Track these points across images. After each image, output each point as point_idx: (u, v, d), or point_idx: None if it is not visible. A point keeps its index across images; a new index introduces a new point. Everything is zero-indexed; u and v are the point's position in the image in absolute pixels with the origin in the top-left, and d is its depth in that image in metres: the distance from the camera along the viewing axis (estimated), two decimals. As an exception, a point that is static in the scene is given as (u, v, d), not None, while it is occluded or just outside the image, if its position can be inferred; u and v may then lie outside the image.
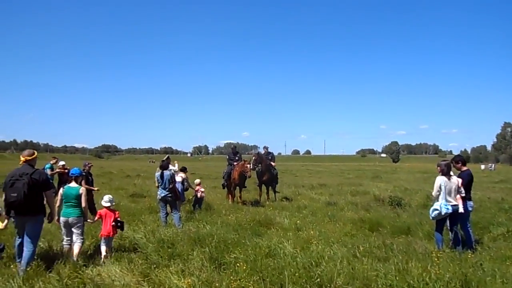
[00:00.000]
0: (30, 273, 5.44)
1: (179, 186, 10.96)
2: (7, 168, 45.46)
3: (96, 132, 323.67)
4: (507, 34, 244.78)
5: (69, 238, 6.69)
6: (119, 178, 30.15)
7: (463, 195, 7.53)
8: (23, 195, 5.58)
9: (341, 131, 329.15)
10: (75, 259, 6.31)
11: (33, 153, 6.16)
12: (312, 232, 8.20)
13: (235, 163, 14.44)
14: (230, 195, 14.68)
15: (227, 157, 15.60)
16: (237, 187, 14.41)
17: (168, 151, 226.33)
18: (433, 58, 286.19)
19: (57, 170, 13.66)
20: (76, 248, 6.56)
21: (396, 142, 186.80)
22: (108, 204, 7.29)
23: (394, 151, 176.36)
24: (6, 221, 6.13)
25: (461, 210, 7.26)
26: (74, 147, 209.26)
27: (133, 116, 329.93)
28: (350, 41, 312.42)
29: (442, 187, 7.30)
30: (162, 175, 9.49)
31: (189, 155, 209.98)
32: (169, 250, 6.87)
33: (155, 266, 5.94)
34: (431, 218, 7.49)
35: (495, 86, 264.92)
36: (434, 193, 7.49)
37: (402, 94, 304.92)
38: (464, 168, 7.85)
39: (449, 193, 7.30)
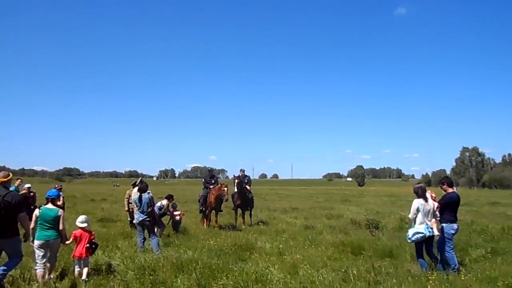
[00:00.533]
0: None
1: (155, 210, 10.60)
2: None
3: (57, 154, 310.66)
4: (465, 61, 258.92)
5: (43, 262, 6.31)
6: (83, 202, 29.01)
7: (438, 218, 7.63)
8: None
9: (307, 155, 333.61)
10: (51, 276, 6.32)
11: (8, 175, 6.08)
12: (297, 256, 8.02)
13: (211, 187, 14.14)
14: (205, 219, 14.30)
15: (203, 180, 15.26)
16: (213, 211, 14.06)
17: (133, 174, 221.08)
18: (395, 82, 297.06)
19: (22, 192, 12.90)
20: (50, 268, 6.49)
21: (361, 166, 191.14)
22: (84, 225, 7.07)
23: (360, 175, 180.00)
24: None
25: (436, 233, 7.37)
26: (33, 169, 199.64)
27: (96, 138, 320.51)
28: (317, 67, 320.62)
29: (420, 210, 7.38)
30: (140, 198, 9.08)
31: (154, 178, 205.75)
32: (151, 277, 6.51)
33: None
34: (409, 241, 7.52)
35: (455, 111, 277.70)
36: (411, 215, 7.57)
37: (366, 118, 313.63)
38: (450, 190, 7.84)
39: (426, 216, 7.36)
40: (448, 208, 7.64)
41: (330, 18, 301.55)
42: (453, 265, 7.32)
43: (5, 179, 5.98)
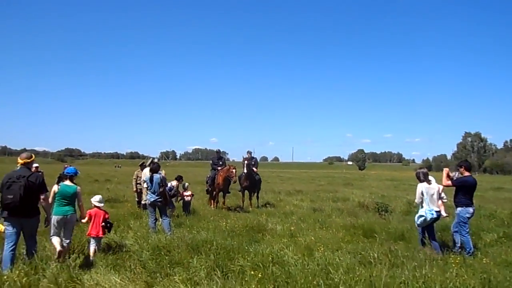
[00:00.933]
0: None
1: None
2: (-36, 171, 43.02)
3: (59, 135, 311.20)
4: (468, 46, 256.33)
5: (58, 237, 6.50)
6: (87, 182, 28.98)
7: (445, 200, 7.89)
8: (19, 197, 5.61)
9: (308, 138, 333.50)
10: (66, 257, 6.30)
11: (31, 156, 6.18)
12: (311, 238, 7.99)
13: (219, 168, 14.08)
14: (212, 201, 14.30)
15: (211, 161, 15.18)
16: (221, 193, 14.04)
17: (134, 155, 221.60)
18: (396, 68, 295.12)
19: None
20: (66, 247, 6.55)
21: (362, 150, 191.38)
22: (101, 205, 7.26)
23: (360, 159, 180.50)
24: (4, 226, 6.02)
25: (444, 215, 7.57)
26: (35, 150, 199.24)
27: (98, 119, 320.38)
28: (318, 51, 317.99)
29: (424, 194, 7.49)
30: (151, 179, 9.01)
31: (156, 160, 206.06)
32: (166, 257, 6.47)
33: (157, 275, 5.54)
34: (416, 225, 7.65)
35: (456, 96, 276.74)
36: (416, 200, 7.74)
37: (367, 102, 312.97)
38: (466, 174, 7.80)
39: (431, 199, 7.47)
40: (462, 191, 7.61)
41: (333, 1, 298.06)
42: (468, 249, 7.33)
43: (28, 160, 6.10)
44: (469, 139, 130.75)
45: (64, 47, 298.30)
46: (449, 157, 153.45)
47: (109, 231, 7.31)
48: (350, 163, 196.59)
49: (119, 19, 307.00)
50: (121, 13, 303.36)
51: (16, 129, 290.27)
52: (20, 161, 6.08)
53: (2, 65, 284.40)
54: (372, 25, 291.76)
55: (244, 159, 14.58)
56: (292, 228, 9.43)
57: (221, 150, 15.58)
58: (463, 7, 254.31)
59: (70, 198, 6.66)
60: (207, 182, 14.75)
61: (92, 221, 7.00)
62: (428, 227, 7.54)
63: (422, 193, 7.51)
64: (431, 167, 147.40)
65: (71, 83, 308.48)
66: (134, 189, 13.63)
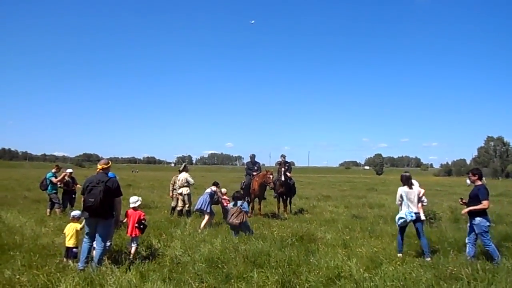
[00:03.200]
0: None
1: (205, 196, 10.16)
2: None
3: (77, 140, 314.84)
4: (489, 47, 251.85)
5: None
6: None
7: (425, 204, 8.32)
8: (99, 200, 6.13)
9: (324, 143, 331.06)
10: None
11: (108, 163, 6.82)
12: (375, 249, 7.41)
13: (254, 173, 13.58)
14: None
15: (245, 167, 14.68)
16: (256, 199, 13.52)
17: (150, 160, 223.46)
18: (413, 71, 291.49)
19: (64, 177, 12.57)
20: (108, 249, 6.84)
21: (380, 155, 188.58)
22: (137, 204, 7.42)
23: (378, 164, 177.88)
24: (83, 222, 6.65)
25: (422, 217, 7.82)
26: (54, 155, 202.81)
27: (115, 124, 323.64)
28: (334, 55, 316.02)
29: (404, 197, 7.80)
30: None
31: (172, 165, 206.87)
32: (223, 270, 5.98)
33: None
34: (397, 225, 7.85)
35: (473, 100, 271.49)
36: (396, 202, 8.06)
37: (384, 106, 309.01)
38: (479, 183, 7.43)
39: (411, 202, 7.73)
40: (478, 201, 7.19)
41: (349, 4, 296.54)
42: (496, 258, 6.93)
43: (106, 166, 6.66)
44: (492, 143, 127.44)
45: (83, 51, 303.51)
46: (468, 161, 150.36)
47: (142, 232, 7.37)
48: (367, 167, 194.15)
49: (135, 21, 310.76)
50: (139, 15, 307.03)
51: (37, 135, 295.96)
52: (99, 167, 6.64)
53: (21, 73, 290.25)
54: (389, 29, 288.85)
55: (279, 165, 14.06)
56: (348, 237, 8.85)
57: (236, 155, 15.11)
58: (485, 7, 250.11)
59: None
60: (241, 188, 14.23)
61: (129, 221, 7.29)
62: (416, 226, 7.73)
63: (401, 196, 7.86)
64: (451, 171, 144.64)
65: (89, 88, 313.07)
66: (170, 194, 13.28)
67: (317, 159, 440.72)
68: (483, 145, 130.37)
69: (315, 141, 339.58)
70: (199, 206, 10.19)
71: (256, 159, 14.41)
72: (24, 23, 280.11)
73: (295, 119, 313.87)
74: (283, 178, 13.49)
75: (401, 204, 7.84)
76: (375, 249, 7.79)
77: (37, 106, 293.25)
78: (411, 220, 7.60)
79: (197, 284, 5.42)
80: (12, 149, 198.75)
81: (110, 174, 7.26)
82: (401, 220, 7.66)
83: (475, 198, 7.31)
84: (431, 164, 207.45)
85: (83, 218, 6.55)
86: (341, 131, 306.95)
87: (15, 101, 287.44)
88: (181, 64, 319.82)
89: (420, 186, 8.19)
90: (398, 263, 6.58)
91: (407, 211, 7.65)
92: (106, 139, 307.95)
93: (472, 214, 7.27)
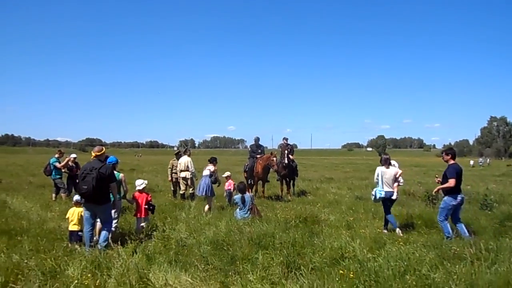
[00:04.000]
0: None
1: (206, 180, 10.11)
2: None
3: (80, 125, 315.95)
4: (492, 28, 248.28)
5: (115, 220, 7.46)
6: (114, 172, 28.97)
7: (401, 184, 8.78)
8: (91, 187, 6.29)
9: (326, 125, 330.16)
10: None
11: (102, 149, 6.96)
12: (379, 230, 7.47)
13: (258, 156, 13.58)
14: (250, 190, 13.83)
15: (249, 149, 14.68)
16: (260, 181, 13.56)
17: (153, 144, 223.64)
18: (415, 52, 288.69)
19: (68, 162, 12.61)
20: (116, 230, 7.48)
21: (383, 136, 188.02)
22: (142, 187, 7.95)
23: (381, 145, 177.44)
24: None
25: (394, 196, 8.28)
26: (57, 140, 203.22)
27: (117, 109, 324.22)
28: (336, 37, 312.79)
29: (380, 176, 8.38)
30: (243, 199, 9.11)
31: (175, 148, 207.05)
32: (229, 252, 6.04)
33: (230, 273, 5.10)
34: (372, 200, 8.60)
35: (476, 81, 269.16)
36: (374, 180, 8.64)
37: (386, 88, 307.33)
38: (451, 162, 7.65)
39: (387, 181, 8.30)
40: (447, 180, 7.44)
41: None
42: (446, 234, 7.32)
43: (99, 153, 6.80)
44: (495, 123, 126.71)
45: (84, 35, 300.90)
46: (471, 142, 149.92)
47: (152, 213, 8.03)
48: (369, 149, 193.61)
49: (136, 4, 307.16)
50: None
51: (39, 121, 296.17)
52: (92, 154, 6.77)
53: (24, 59, 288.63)
54: (391, 9, 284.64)
55: (282, 147, 14.03)
56: (351, 219, 8.91)
57: (239, 138, 15.10)
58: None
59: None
60: (245, 171, 14.27)
61: (136, 203, 7.83)
62: (384, 204, 8.32)
63: (378, 175, 8.44)
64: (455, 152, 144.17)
65: (91, 74, 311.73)
66: (169, 178, 13.29)
67: (319, 141, 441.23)
68: (486, 125, 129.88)
69: (318, 123, 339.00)
70: (203, 193, 10.07)
71: (259, 142, 14.41)
72: (25, 9, 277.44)
73: (297, 102, 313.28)
74: (286, 161, 13.48)
75: (377, 182, 8.44)
76: (378, 230, 7.86)
77: (40, 91, 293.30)
78: (380, 197, 8.20)
79: (203, 266, 5.47)
80: (15, 135, 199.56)
81: (110, 158, 7.72)
82: (372, 197, 8.40)
83: (444, 177, 7.57)
84: (434, 145, 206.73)
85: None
86: (343, 113, 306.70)
87: (17, 87, 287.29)
88: (183, 48, 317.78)
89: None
90: (401, 243, 6.63)
91: (377, 189, 8.31)
92: (109, 124, 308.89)
93: (445, 193, 7.61)
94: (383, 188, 8.27)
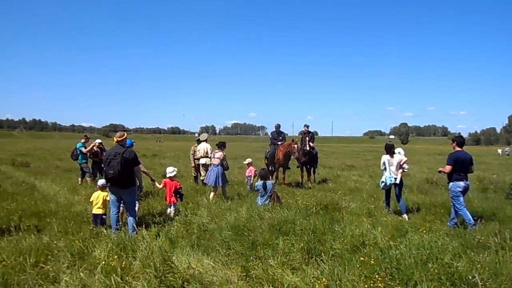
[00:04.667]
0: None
1: (216, 169, 10.04)
2: (19, 147, 45.03)
3: (104, 111, 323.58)
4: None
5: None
6: (137, 157, 29.47)
7: (406, 170, 9.14)
8: (117, 172, 6.49)
9: (347, 112, 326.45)
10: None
11: (123, 135, 7.06)
12: (400, 218, 7.42)
13: (279, 143, 13.59)
14: (271, 177, 13.87)
15: (270, 136, 14.69)
16: (281, 168, 13.59)
17: (175, 130, 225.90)
18: (439, 39, 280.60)
19: (93, 147, 12.90)
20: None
21: (406, 124, 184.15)
22: (172, 174, 8.51)
23: (403, 133, 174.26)
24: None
25: (398, 181, 8.65)
26: (82, 126, 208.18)
27: (140, 95, 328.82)
28: (359, 23, 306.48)
29: (386, 163, 8.76)
30: (265, 185, 9.19)
31: (196, 135, 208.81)
32: (250, 238, 6.12)
33: (251, 258, 5.19)
34: (381, 188, 9.14)
35: (504, 66, 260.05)
36: (381, 167, 9.00)
37: (409, 75, 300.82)
38: (458, 149, 7.81)
39: (393, 168, 8.69)
40: (454, 167, 7.63)
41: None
42: (467, 221, 7.31)
43: (120, 139, 6.91)
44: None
45: (110, 21, 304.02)
46: (498, 130, 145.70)
47: (181, 200, 8.50)
48: (392, 137, 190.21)
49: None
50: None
51: (65, 106, 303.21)
52: (115, 139, 6.93)
53: (50, 46, 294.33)
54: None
55: (302, 134, 13.97)
56: (372, 206, 8.87)
57: (259, 125, 15.09)
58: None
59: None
60: (266, 158, 14.31)
61: (166, 189, 8.40)
62: (395, 189, 8.73)
63: (384, 163, 8.81)
64: (480, 140, 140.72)
65: (115, 60, 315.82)
66: (193, 164, 13.41)
67: (340, 128, 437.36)
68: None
69: (339, 111, 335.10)
70: (213, 183, 9.93)
71: (280, 129, 14.39)
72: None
73: (318, 89, 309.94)
74: (308, 148, 13.43)
75: (384, 170, 8.80)
76: (399, 218, 7.78)
77: (65, 78, 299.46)
78: (391, 184, 8.60)
79: (224, 251, 5.58)
80: (42, 120, 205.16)
81: (127, 141, 7.91)
82: (382, 184, 8.78)
83: (450, 164, 7.72)
84: (459, 133, 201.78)
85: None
86: (365, 100, 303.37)
87: (43, 73, 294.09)
88: (206, 35, 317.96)
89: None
90: (424, 232, 6.58)
91: (387, 176, 8.65)
92: (132, 110, 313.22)
93: (448, 180, 7.81)
94: (390, 175, 8.62)
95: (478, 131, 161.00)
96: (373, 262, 4.75)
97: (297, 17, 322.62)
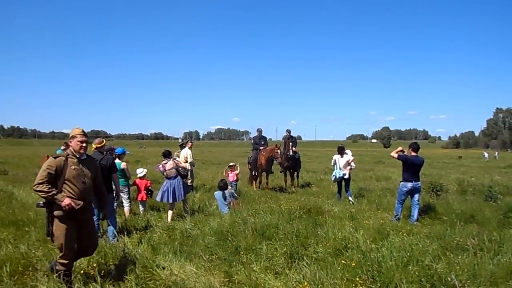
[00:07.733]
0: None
1: (174, 183, 9.50)
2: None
3: (85, 117, 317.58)
4: (497, 19, 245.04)
5: (128, 201, 8.62)
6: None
7: (353, 168, 11.65)
8: None
9: (330, 117, 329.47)
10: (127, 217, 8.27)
11: (102, 141, 7.09)
12: (381, 221, 7.50)
13: (261, 148, 13.60)
14: (255, 181, 13.89)
15: (252, 141, 14.70)
16: (264, 173, 13.60)
17: (158, 136, 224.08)
18: (420, 44, 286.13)
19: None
20: (126, 211, 8.51)
21: (387, 128, 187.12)
22: (141, 175, 9.31)
23: (385, 137, 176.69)
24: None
25: (346, 176, 11.07)
26: (62, 132, 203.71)
27: (122, 101, 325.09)
28: (341, 29, 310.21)
29: (337, 161, 11.19)
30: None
31: (179, 140, 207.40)
32: (233, 243, 6.09)
33: (234, 263, 5.16)
34: (332, 181, 11.70)
35: (482, 72, 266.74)
36: (331, 164, 11.64)
37: (390, 80, 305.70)
38: (413, 154, 8.68)
39: (343, 165, 11.07)
40: (404, 168, 8.66)
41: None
42: (395, 213, 8.60)
43: (100, 145, 6.93)
44: (501, 115, 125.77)
45: (89, 28, 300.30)
46: (477, 133, 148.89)
47: (151, 196, 9.17)
48: (374, 141, 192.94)
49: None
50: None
51: (45, 113, 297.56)
52: (93, 146, 6.88)
53: (29, 52, 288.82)
54: (396, 3, 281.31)
55: (285, 139, 14.02)
56: (353, 210, 8.94)
57: (243, 130, 15.14)
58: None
59: (121, 172, 8.16)
60: (249, 163, 14.30)
61: (138, 189, 9.12)
62: (344, 182, 11.19)
63: (334, 161, 11.29)
64: (459, 143, 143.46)
65: (96, 66, 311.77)
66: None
67: (324, 133, 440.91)
68: (492, 117, 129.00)
69: (322, 115, 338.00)
70: (171, 199, 8.28)
71: (263, 134, 14.41)
72: (30, 3, 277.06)
73: (302, 94, 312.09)
74: (291, 153, 13.48)
75: (334, 165, 11.24)
76: (381, 221, 7.88)
77: (45, 84, 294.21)
78: (340, 177, 10.95)
79: (207, 256, 5.53)
80: (21, 127, 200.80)
81: (118, 149, 8.63)
82: (333, 177, 11.15)
83: (403, 164, 8.72)
84: (439, 137, 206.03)
85: None
86: (348, 104, 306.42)
87: (22, 79, 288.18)
88: (188, 41, 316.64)
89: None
90: (405, 234, 6.66)
91: (337, 171, 11.01)
92: (114, 116, 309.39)
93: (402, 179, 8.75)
94: (339, 170, 10.93)
95: (458, 135, 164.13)
96: (354, 265, 4.79)
97: (280, 22, 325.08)
